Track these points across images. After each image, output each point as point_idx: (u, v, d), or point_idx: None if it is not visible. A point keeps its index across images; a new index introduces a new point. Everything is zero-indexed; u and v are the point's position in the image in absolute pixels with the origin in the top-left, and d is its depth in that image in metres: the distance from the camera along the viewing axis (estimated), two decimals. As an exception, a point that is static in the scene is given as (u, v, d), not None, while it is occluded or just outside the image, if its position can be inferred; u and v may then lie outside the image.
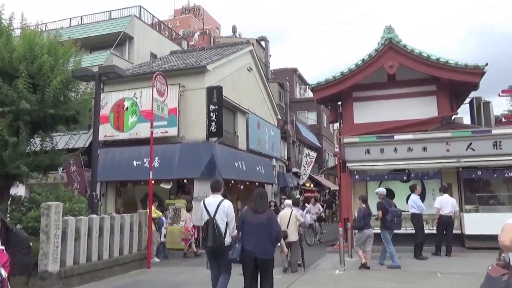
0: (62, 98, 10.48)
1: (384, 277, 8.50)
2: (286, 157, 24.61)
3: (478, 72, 11.90)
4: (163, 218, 12.37)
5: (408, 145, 12.19)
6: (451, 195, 12.11)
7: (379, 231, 11.86)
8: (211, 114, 14.75)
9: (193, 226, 12.74)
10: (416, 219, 10.57)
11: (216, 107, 14.74)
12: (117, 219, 9.76)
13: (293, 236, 9.00)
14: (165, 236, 12.44)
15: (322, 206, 24.30)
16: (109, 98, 15.62)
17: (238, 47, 18.25)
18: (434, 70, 12.30)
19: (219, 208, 5.67)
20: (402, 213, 12.07)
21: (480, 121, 12.92)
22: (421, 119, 12.84)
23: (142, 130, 14.64)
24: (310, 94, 37.60)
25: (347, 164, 12.63)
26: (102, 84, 16.26)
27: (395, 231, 9.76)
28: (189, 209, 12.92)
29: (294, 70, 34.40)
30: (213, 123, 14.70)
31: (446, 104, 12.85)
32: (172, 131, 14.82)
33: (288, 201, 10.11)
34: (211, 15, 39.59)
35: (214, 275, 5.89)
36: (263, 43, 26.16)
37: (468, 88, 12.98)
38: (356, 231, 9.69)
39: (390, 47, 12.66)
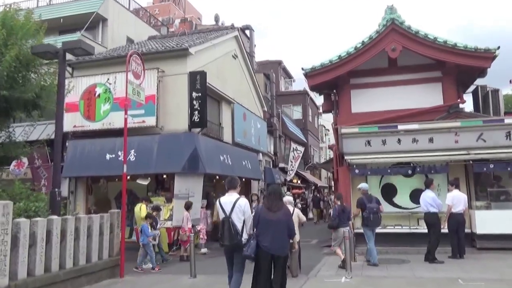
0: (20, 79, 8.93)
1: (398, 285, 7.29)
2: (272, 152, 23.32)
3: (489, 56, 10.84)
4: (147, 226, 10.81)
5: (413, 136, 11.05)
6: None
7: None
8: (194, 102, 13.33)
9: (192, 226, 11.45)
10: (433, 218, 9.40)
11: (199, 94, 13.32)
12: (83, 220, 8.26)
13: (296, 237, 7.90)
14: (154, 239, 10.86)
15: (304, 205, 23.34)
16: (79, 84, 14.03)
17: (223, 31, 16.84)
18: (440, 54, 11.17)
19: (235, 206, 5.62)
20: (412, 210, 11.27)
21: (488, 111, 11.88)
22: (425, 108, 11.73)
23: (116, 120, 13.09)
24: (295, 87, 36.53)
25: (345, 157, 11.41)
26: (72, 69, 14.80)
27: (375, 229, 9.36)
28: (188, 207, 11.53)
29: (279, 63, 33.09)
30: (196, 112, 13.28)
31: (452, 92, 11.76)
32: (150, 121, 13.34)
33: (289, 198, 8.93)
34: (192, 4, 37.98)
35: (230, 274, 5.85)
36: (248, 32, 24.76)
37: (474, 75, 11.94)
38: (332, 230, 9.33)
39: (393, 28, 11.48)
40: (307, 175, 29.05)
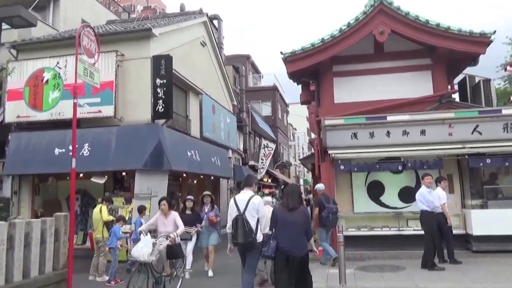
0: None
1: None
2: (242, 149, 21.97)
3: (484, 41, 9.94)
4: (119, 228, 9.17)
5: (404, 128, 10.03)
6: (452, 187, 10.23)
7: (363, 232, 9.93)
8: (158, 90, 11.79)
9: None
10: (423, 217, 8.36)
11: (164, 81, 11.79)
12: (19, 226, 6.54)
13: None
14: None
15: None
16: (24, 68, 12.20)
17: (191, 16, 15.32)
18: (432, 39, 10.18)
19: (249, 204, 5.57)
20: (401, 210, 10.28)
21: (479, 102, 11.02)
22: (414, 98, 10.73)
23: (67, 109, 11.38)
24: (264, 83, 35.32)
25: (329, 152, 10.24)
26: (16, 52, 12.88)
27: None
28: (140, 211, 9.83)
29: (247, 57, 31.79)
30: (160, 101, 11.76)
31: (443, 81, 10.82)
32: (107, 111, 11.70)
33: (268, 198, 8.11)
34: (156, -6, 36.04)
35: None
36: (216, 22, 23.29)
37: (465, 63, 11.05)
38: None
39: (381, 9, 10.38)
40: (277, 173, 27.89)
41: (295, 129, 44.65)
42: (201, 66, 16.04)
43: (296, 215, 5.26)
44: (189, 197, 9.32)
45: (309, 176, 46.09)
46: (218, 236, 9.01)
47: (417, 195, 8.44)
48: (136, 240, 8.17)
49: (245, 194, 5.76)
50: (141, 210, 9.84)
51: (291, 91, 49.49)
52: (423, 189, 8.40)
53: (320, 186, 9.66)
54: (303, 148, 41.63)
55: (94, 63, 8.99)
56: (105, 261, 9.13)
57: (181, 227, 6.97)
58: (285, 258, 5.19)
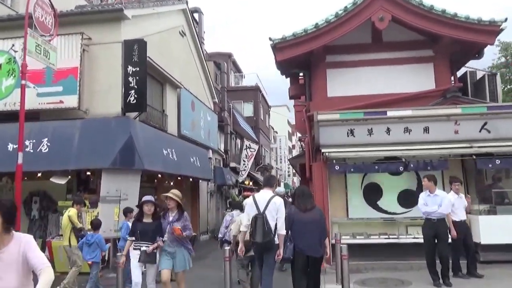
0: None
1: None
2: (223, 150, 20.70)
3: (493, 29, 9.05)
4: (99, 236, 7.80)
5: (406, 125, 9.01)
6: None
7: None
8: (130, 79, 10.44)
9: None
10: (423, 225, 7.32)
11: (137, 69, 10.45)
12: None
13: None
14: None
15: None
16: (-26, 52, 10.66)
17: (169, 1, 14.02)
18: (437, 27, 9.20)
19: (269, 203, 5.53)
20: (401, 216, 9.20)
21: (483, 98, 10.06)
22: (414, 92, 9.75)
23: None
24: (246, 82, 34.12)
25: (323, 150, 9.12)
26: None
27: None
28: (126, 213, 8.57)
29: (229, 55, 30.53)
30: (132, 91, 10.41)
31: (446, 74, 9.88)
32: (71, 101, 10.28)
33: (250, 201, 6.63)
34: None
35: (258, 274, 5.81)
36: (196, 16, 22.03)
37: (470, 54, 10.13)
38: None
39: (381, -8, 9.38)
40: (259, 176, 26.70)
41: (276, 132, 43.68)
42: (180, 57, 14.74)
43: (312, 215, 5.41)
44: (147, 198, 6.21)
45: (289, 180, 45.15)
46: (189, 257, 6.17)
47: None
48: (122, 248, 7.14)
49: (265, 193, 5.75)
50: (127, 212, 8.49)
51: (272, 93, 48.58)
52: (423, 193, 7.34)
53: (280, 189, 9.74)
54: (285, 152, 40.62)
55: (51, 40, 7.71)
56: (75, 274, 7.78)
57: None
58: (304, 259, 5.29)
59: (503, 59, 17.59)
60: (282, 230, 5.48)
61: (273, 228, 5.45)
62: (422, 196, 7.11)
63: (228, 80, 28.16)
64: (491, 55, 18.31)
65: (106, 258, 9.48)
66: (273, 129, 40.86)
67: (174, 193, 6.08)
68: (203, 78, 17.71)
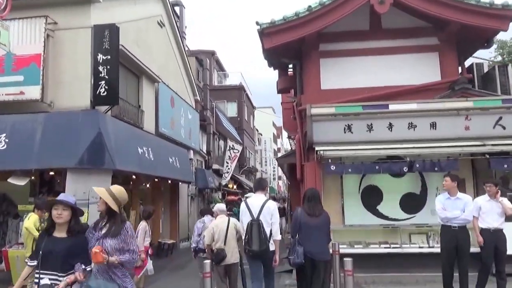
0: None
1: None
2: (205, 151, 19.54)
3: (507, 14, 8.19)
4: None
5: (410, 120, 8.07)
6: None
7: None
8: (100, 68, 9.27)
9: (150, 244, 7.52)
10: (441, 233, 6.31)
11: (108, 57, 9.29)
12: None
13: (233, 257, 5.89)
14: None
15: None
16: None
17: (146, -13, 12.86)
18: (444, 11, 8.30)
19: (263, 208, 5.35)
20: (403, 222, 8.25)
21: (494, 91, 9.21)
22: (417, 85, 8.83)
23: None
24: (229, 81, 32.98)
25: (316, 149, 8.12)
26: None
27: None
28: (147, 216, 7.47)
29: (212, 53, 29.36)
30: (103, 82, 9.24)
31: (452, 64, 8.99)
32: (33, 92, 9.06)
33: (221, 205, 6.69)
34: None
35: (258, 285, 5.41)
36: (177, 9, 20.89)
37: (478, 42, 9.29)
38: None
39: (382, -27, 8.44)
40: (243, 178, 25.60)
41: (261, 134, 42.69)
42: (158, 50, 13.60)
43: (319, 219, 5.23)
44: (62, 197, 3.64)
45: (275, 184, 44.13)
46: None
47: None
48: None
49: (258, 198, 5.56)
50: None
51: (256, 95, 47.52)
52: (440, 196, 6.35)
53: (251, 195, 9.21)
54: (270, 154, 39.64)
55: (3, 17, 6.53)
56: None
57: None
58: (312, 264, 5.14)
59: (499, 58, 17.01)
60: (277, 236, 5.35)
61: (268, 234, 5.25)
62: (440, 200, 6.10)
63: (211, 78, 27.02)
64: (487, 54, 17.76)
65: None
66: (257, 131, 39.86)
67: (106, 190, 3.77)
68: (183, 74, 16.57)
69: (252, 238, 5.20)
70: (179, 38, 16.00)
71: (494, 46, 17.50)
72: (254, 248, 5.17)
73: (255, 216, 5.28)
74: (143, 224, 7.23)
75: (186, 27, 22.17)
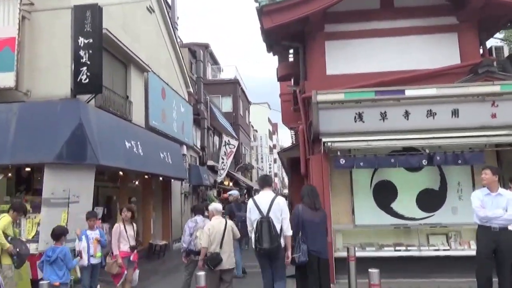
0: None
1: None
2: (199, 146, 18.61)
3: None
4: (63, 250, 5.79)
5: (429, 107, 7.20)
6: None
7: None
8: (81, 53, 8.36)
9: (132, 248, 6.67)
10: (476, 233, 5.44)
11: (90, 40, 8.37)
12: None
13: (228, 262, 5.64)
14: None
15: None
16: None
17: (134, -31, 11.91)
18: (464, -14, 7.45)
19: (272, 205, 5.23)
20: (421, 222, 7.39)
21: (513, 78, 8.36)
22: (434, 69, 7.94)
23: None
24: (223, 75, 32.05)
25: (323, 140, 7.23)
26: None
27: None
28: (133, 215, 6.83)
29: (206, 46, 28.39)
30: (85, 68, 8.33)
31: (473, 46, 8.05)
32: (6, 80, 8.17)
33: (217, 205, 6.24)
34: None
35: (267, 282, 5.34)
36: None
37: (501, 21, 8.43)
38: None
39: None
40: (239, 176, 24.72)
41: (256, 131, 41.84)
42: (147, 37, 12.66)
43: (320, 215, 5.30)
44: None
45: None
46: None
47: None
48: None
49: (266, 194, 5.44)
50: (90, 218, 6.79)
51: (250, 93, 46.78)
52: (478, 192, 5.46)
53: (234, 192, 10.26)
54: (266, 151, 38.79)
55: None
56: None
57: None
58: (316, 261, 5.13)
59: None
60: (288, 231, 5.23)
61: (279, 231, 5.15)
62: (477, 196, 5.21)
63: (205, 71, 26.06)
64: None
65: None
66: (253, 127, 39.00)
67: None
68: (175, 64, 15.64)
69: (262, 235, 5.08)
70: (171, 27, 15.08)
71: (501, 34, 16.73)
72: (265, 246, 5.05)
73: (265, 213, 5.17)
74: (115, 226, 6.48)
75: (178, 18, 21.22)
